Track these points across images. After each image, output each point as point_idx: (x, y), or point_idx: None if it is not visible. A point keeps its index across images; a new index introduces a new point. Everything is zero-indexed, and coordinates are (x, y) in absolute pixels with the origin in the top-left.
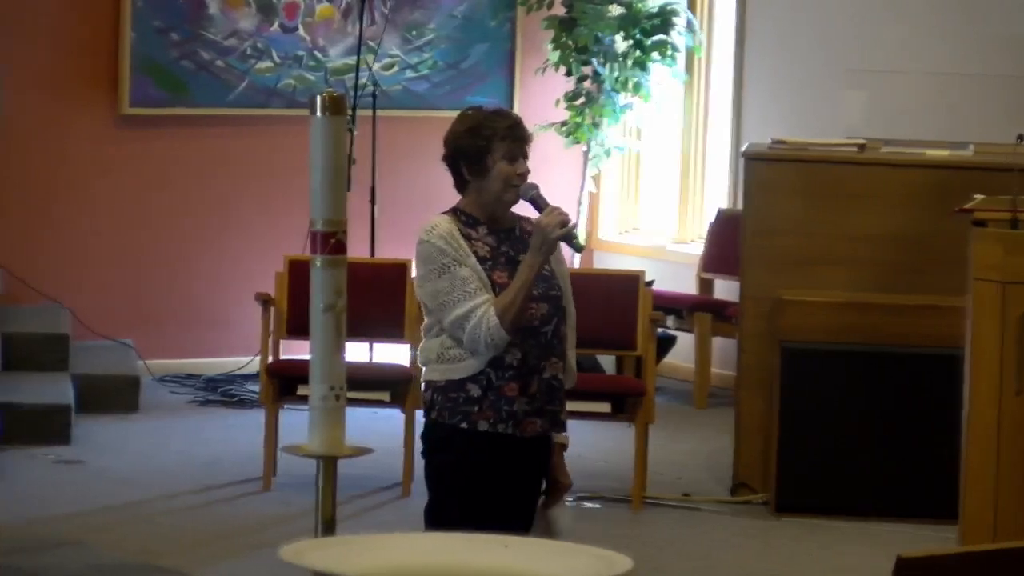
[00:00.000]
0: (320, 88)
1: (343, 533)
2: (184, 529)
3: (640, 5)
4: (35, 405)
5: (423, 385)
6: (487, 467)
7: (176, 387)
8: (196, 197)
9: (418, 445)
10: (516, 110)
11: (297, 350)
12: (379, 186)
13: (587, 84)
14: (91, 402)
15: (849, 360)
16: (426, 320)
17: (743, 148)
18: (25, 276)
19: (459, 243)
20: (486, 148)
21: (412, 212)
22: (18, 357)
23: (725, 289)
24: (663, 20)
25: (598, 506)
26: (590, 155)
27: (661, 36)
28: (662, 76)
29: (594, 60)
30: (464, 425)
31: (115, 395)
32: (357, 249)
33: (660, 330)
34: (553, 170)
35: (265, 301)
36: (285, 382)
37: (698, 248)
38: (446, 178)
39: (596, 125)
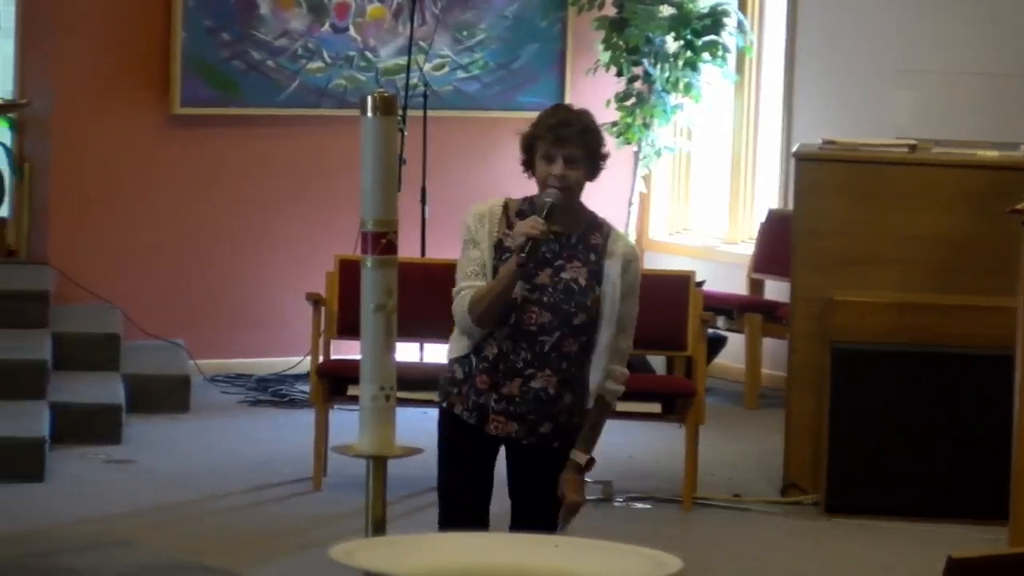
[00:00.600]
0: (371, 88)
1: (393, 533)
2: (234, 529)
3: (691, 5)
4: (86, 405)
5: None
6: (458, 451)
7: (226, 387)
8: (247, 197)
9: None
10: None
11: (347, 350)
12: (430, 186)
13: (638, 84)
14: (142, 402)
15: (899, 361)
16: None
17: (794, 148)
18: (76, 276)
19: (484, 225)
20: (533, 144)
21: (462, 212)
22: (69, 357)
23: (775, 290)
24: (714, 20)
25: (648, 506)
26: (641, 155)
27: (712, 36)
28: (713, 76)
29: (645, 60)
30: (444, 405)
31: (166, 395)
32: (407, 249)
33: (710, 331)
34: (604, 171)
35: (316, 301)
36: (335, 382)
37: (748, 248)
38: (497, 178)
39: (647, 126)
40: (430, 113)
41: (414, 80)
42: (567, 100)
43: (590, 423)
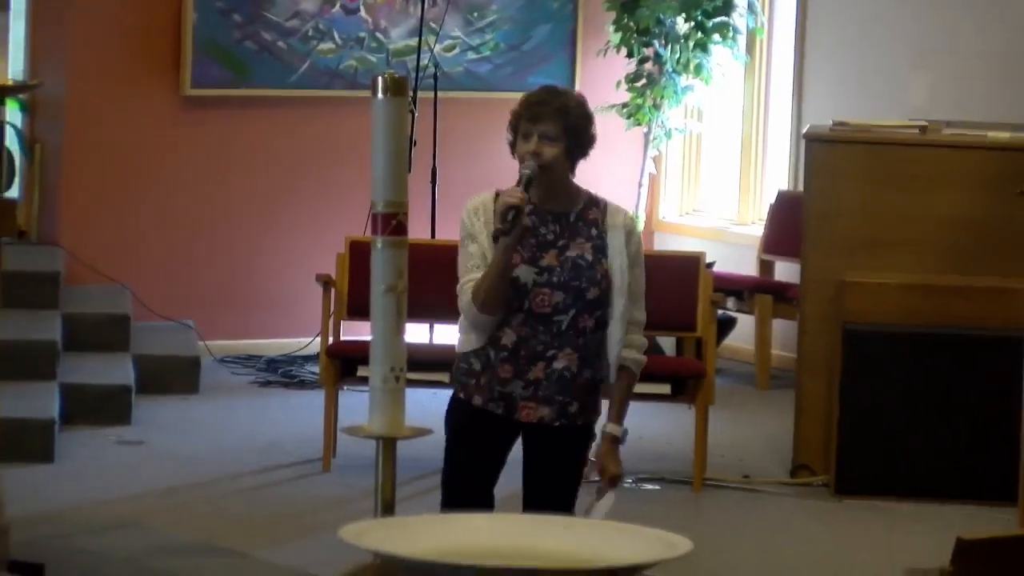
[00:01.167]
0: (382, 70)
1: (403, 514)
2: (243, 510)
3: None
4: (96, 386)
5: None
6: (472, 441)
7: (237, 368)
8: (257, 178)
9: None
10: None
11: (358, 331)
12: (440, 168)
13: (648, 66)
14: (152, 383)
15: (911, 342)
16: None
17: (804, 130)
18: (87, 257)
19: (479, 219)
20: (516, 123)
21: (473, 194)
22: (79, 338)
23: (786, 271)
24: (724, 2)
25: (658, 488)
26: (651, 137)
27: (722, 18)
28: (723, 58)
29: (655, 42)
30: (462, 395)
31: (176, 376)
32: (418, 231)
33: (720, 312)
34: (614, 152)
35: (326, 282)
36: (345, 363)
37: (759, 230)
38: (506, 160)
39: (657, 107)
40: (441, 94)
41: (425, 61)
42: (577, 81)
43: (619, 395)
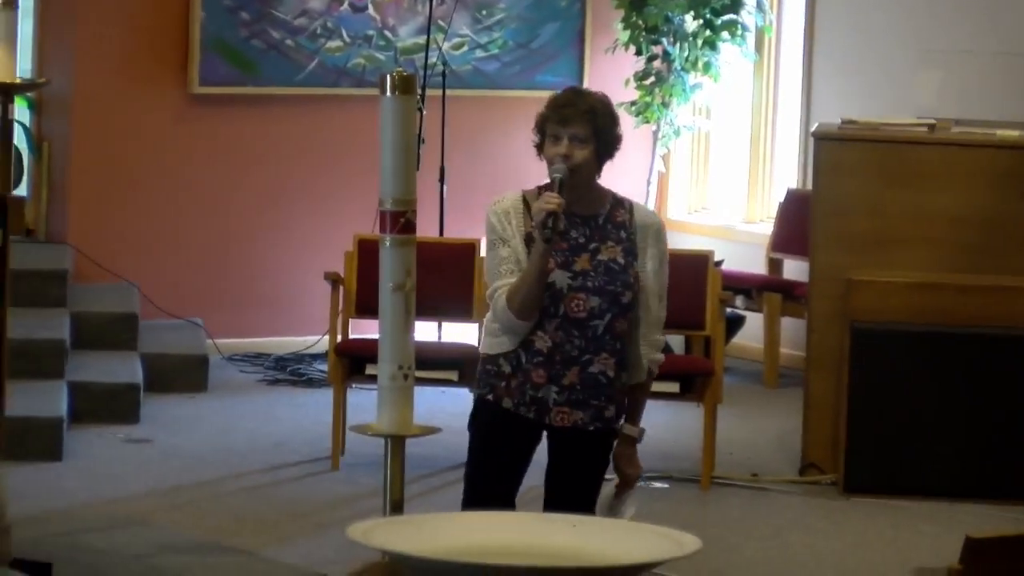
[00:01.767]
0: (390, 68)
1: (411, 512)
2: (251, 508)
3: None
4: (104, 384)
5: None
6: (498, 442)
7: (245, 366)
8: (265, 176)
9: None
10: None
11: (366, 329)
12: (448, 166)
13: (657, 64)
14: (160, 381)
15: (920, 340)
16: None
17: (812, 128)
18: (95, 255)
19: (510, 222)
20: (544, 126)
21: (481, 192)
22: (87, 336)
23: (794, 269)
24: (733, 0)
25: (667, 486)
26: (659, 135)
27: (731, 16)
28: (732, 56)
29: (664, 40)
30: (490, 397)
31: (184, 374)
32: (426, 229)
33: (729, 310)
34: (622, 150)
35: (334, 280)
36: (354, 361)
37: (767, 228)
38: (515, 158)
39: (665, 105)
40: (449, 92)
41: (433, 59)
42: (586, 79)
43: (638, 395)
